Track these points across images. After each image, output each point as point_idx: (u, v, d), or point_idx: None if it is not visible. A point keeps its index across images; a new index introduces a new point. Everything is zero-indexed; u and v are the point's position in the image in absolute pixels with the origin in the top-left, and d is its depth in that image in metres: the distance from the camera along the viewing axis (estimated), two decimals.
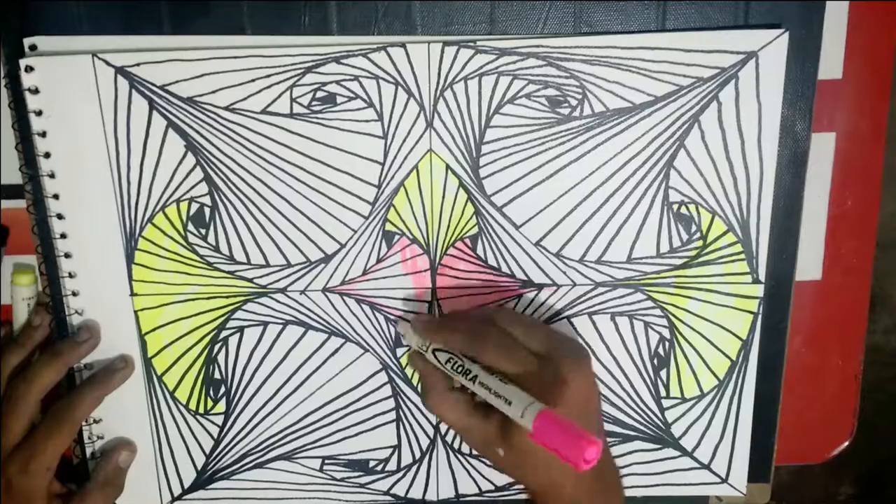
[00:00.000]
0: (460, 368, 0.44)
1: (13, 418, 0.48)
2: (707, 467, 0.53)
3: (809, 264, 0.51)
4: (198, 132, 0.47)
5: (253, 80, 0.46)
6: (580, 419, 0.40)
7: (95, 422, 0.52)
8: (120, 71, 0.46)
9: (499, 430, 0.43)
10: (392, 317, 0.50)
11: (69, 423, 0.49)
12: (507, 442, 0.43)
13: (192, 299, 0.50)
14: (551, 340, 0.44)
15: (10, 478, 0.48)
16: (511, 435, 0.42)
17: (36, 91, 0.46)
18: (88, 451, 0.52)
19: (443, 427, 0.53)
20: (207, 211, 0.49)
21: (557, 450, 0.37)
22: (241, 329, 0.51)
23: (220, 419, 0.52)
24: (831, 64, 0.48)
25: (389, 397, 0.52)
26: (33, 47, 0.46)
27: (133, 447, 0.53)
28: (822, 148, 0.49)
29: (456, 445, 0.53)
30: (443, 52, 0.46)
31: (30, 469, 0.47)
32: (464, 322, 0.47)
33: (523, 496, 0.54)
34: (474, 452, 0.53)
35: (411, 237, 0.49)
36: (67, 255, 0.49)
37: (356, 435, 0.53)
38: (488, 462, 0.52)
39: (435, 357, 0.46)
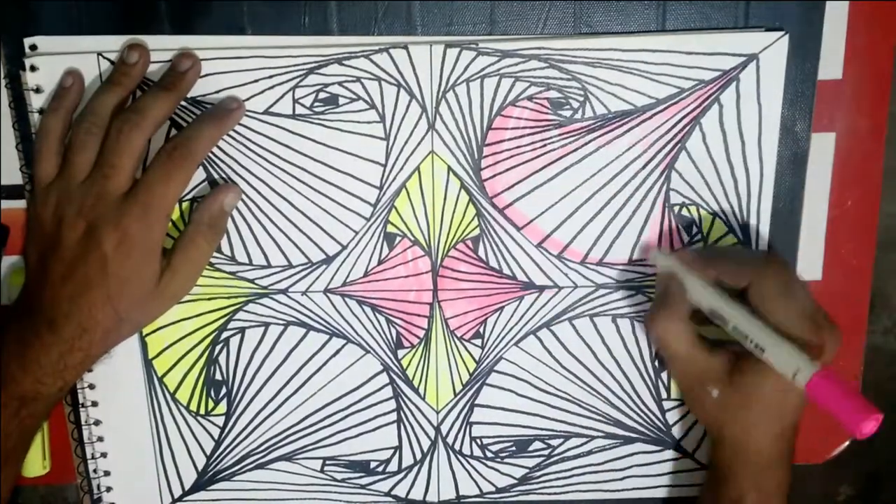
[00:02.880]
0: (721, 309, 0.43)
1: (125, 156, 0.42)
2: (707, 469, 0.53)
3: (809, 264, 0.51)
4: None
5: (255, 81, 0.46)
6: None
7: (96, 423, 0.52)
8: None
9: (724, 369, 0.43)
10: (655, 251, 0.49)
11: (189, 160, 0.43)
12: (729, 382, 0.43)
13: (194, 300, 0.50)
14: (815, 304, 0.43)
15: (127, 228, 0.42)
16: (736, 375, 0.43)
17: (39, 90, 0.46)
18: (89, 452, 0.52)
19: (444, 428, 0.53)
20: None
21: (838, 413, 0.38)
22: (242, 330, 0.51)
23: (220, 420, 0.52)
24: (831, 64, 0.48)
25: (390, 398, 0.52)
26: (33, 47, 0.46)
27: (237, 190, 0.47)
28: (823, 148, 0.49)
29: (457, 447, 0.53)
30: (445, 53, 0.46)
31: (149, 217, 0.42)
32: (741, 257, 0.47)
33: (527, 498, 0.54)
34: (471, 454, 0.53)
35: (413, 239, 0.49)
36: None
37: (357, 436, 0.53)
38: (687, 401, 0.50)
39: (702, 296, 0.44)
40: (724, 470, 0.46)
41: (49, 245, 0.43)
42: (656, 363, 0.52)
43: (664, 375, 0.52)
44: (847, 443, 0.54)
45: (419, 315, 0.51)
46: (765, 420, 0.43)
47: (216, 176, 0.48)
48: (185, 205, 0.48)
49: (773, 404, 0.43)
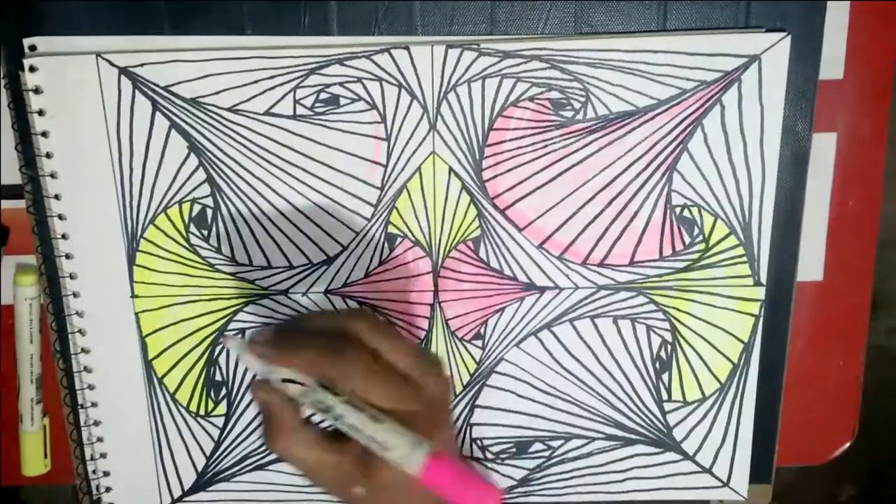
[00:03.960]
0: (320, 405, 0.37)
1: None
2: (709, 471, 0.53)
3: (811, 265, 0.51)
4: (201, 133, 0.47)
5: (256, 82, 0.46)
6: (453, 450, 0.37)
7: (95, 423, 0.52)
8: (124, 71, 0.46)
9: (357, 465, 0.37)
10: (227, 333, 0.47)
11: None
12: (368, 478, 0.37)
13: (194, 301, 0.50)
14: (419, 358, 0.38)
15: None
16: (373, 470, 0.36)
17: (39, 91, 0.46)
18: (88, 453, 0.52)
19: None
20: (209, 212, 0.48)
21: (453, 495, 0.35)
22: (242, 331, 0.51)
23: (220, 421, 0.52)
24: (832, 64, 0.48)
25: None
26: (33, 47, 0.46)
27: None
28: (824, 148, 0.49)
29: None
30: (446, 54, 0.46)
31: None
32: (315, 339, 0.38)
33: (528, 499, 0.54)
34: (471, 456, 0.53)
35: (414, 239, 0.49)
36: (68, 256, 0.49)
37: None
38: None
39: (291, 394, 0.37)
40: None
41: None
42: (657, 365, 0.51)
43: (665, 377, 0.52)
44: (848, 444, 0.54)
45: (420, 316, 0.50)
46: None
47: (216, 177, 0.48)
48: (185, 206, 0.48)
49: (412, 494, 0.37)
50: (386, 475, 0.36)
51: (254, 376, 0.43)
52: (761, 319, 0.51)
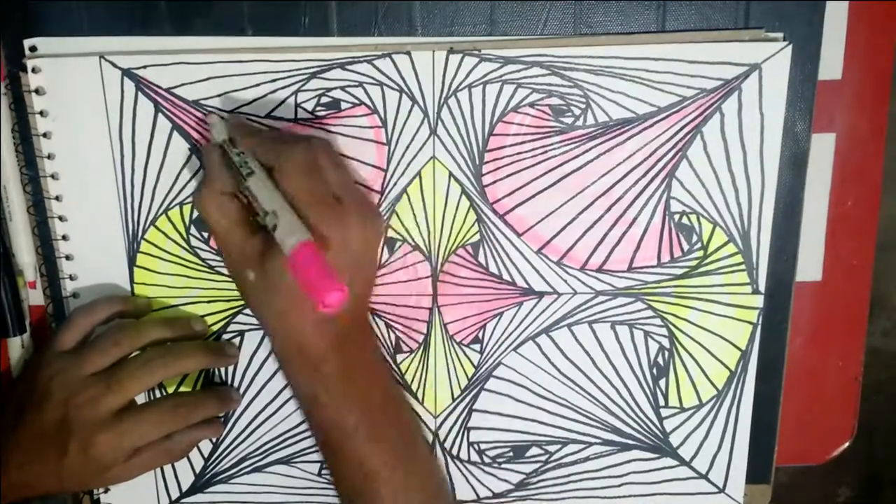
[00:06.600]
0: (247, 169, 0.41)
1: (137, 385, 0.46)
2: (705, 477, 0.53)
3: (809, 265, 0.51)
4: (202, 135, 0.47)
5: (258, 85, 0.46)
6: (348, 267, 0.41)
7: None
8: (126, 73, 0.46)
9: (258, 250, 0.41)
10: (211, 111, 0.47)
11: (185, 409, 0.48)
12: (261, 265, 0.41)
13: (194, 302, 0.50)
14: (350, 186, 0.43)
15: (97, 445, 0.45)
16: (267, 258, 0.40)
17: (41, 92, 0.46)
18: None
19: (441, 433, 0.53)
20: None
21: (305, 283, 0.37)
22: (241, 333, 0.51)
23: None
24: (831, 64, 0.48)
25: None
26: (33, 48, 0.46)
27: (219, 430, 0.51)
28: (822, 149, 0.49)
29: (455, 452, 0.53)
30: (447, 59, 0.46)
31: (121, 446, 0.46)
32: (273, 135, 0.45)
33: (519, 501, 0.54)
34: (468, 459, 0.53)
35: (413, 244, 0.49)
36: (69, 258, 0.49)
37: None
38: (237, 286, 0.47)
39: (228, 148, 0.43)
40: (285, 370, 0.45)
41: (27, 402, 0.46)
42: (654, 371, 0.52)
43: (662, 383, 0.52)
44: (847, 444, 0.54)
45: (418, 320, 0.51)
46: (296, 308, 0.41)
47: None
48: (185, 207, 0.48)
49: (290, 295, 0.40)
50: (272, 265, 0.40)
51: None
52: (759, 327, 0.51)
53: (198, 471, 0.53)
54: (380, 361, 0.49)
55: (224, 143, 0.43)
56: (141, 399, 0.48)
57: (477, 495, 0.54)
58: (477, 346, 0.51)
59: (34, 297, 0.50)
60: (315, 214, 0.40)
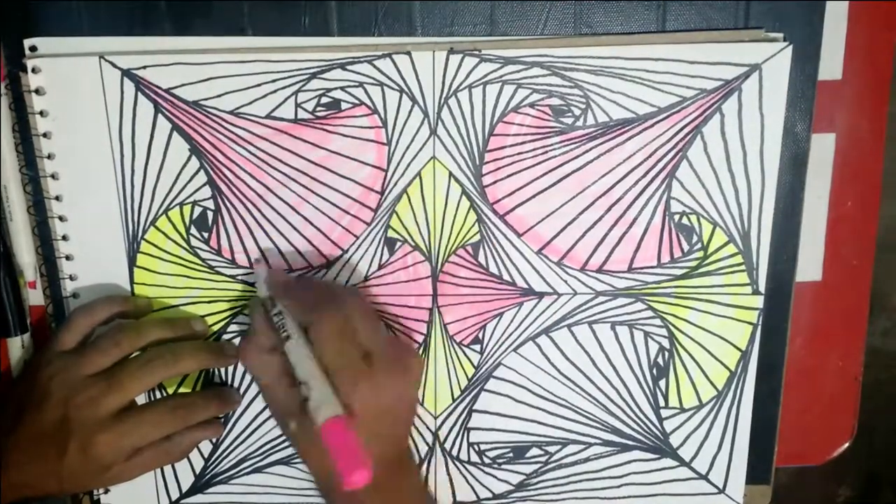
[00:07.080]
0: (284, 331, 0.43)
1: (138, 385, 0.46)
2: (705, 477, 0.53)
3: (809, 265, 0.51)
4: (202, 136, 0.47)
5: (258, 85, 0.46)
6: (376, 437, 0.41)
7: None
8: (126, 73, 0.46)
9: (297, 403, 0.42)
10: (258, 260, 0.49)
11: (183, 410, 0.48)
12: (301, 418, 0.41)
13: (194, 303, 0.50)
14: (382, 343, 0.43)
15: (96, 445, 0.45)
16: (305, 414, 0.41)
17: (41, 92, 0.46)
18: None
19: (441, 434, 0.53)
20: (210, 214, 0.49)
21: (333, 456, 0.38)
22: (242, 333, 0.51)
23: None
24: (831, 65, 0.48)
25: None
26: (33, 48, 0.46)
27: (219, 430, 0.52)
28: (822, 149, 0.49)
29: (454, 453, 0.53)
30: (447, 59, 0.46)
31: (120, 447, 0.46)
32: (309, 293, 0.46)
33: (519, 501, 0.54)
34: (468, 460, 0.53)
35: (413, 244, 0.49)
36: (69, 258, 0.49)
37: None
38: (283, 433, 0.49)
39: (268, 307, 0.45)
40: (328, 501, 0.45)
41: (27, 402, 0.46)
42: (654, 371, 0.52)
43: (662, 384, 0.52)
44: (847, 444, 0.54)
45: (418, 320, 0.51)
46: (327, 463, 0.41)
47: (217, 179, 0.48)
48: (185, 208, 0.48)
49: (320, 447, 0.40)
50: (310, 421, 0.41)
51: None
52: (759, 328, 0.51)
53: (198, 471, 0.53)
54: (419, 492, 0.48)
55: (265, 302, 0.45)
56: (141, 399, 0.48)
57: (477, 496, 0.54)
58: (477, 347, 0.51)
59: (34, 297, 0.50)
60: (346, 382, 0.41)
